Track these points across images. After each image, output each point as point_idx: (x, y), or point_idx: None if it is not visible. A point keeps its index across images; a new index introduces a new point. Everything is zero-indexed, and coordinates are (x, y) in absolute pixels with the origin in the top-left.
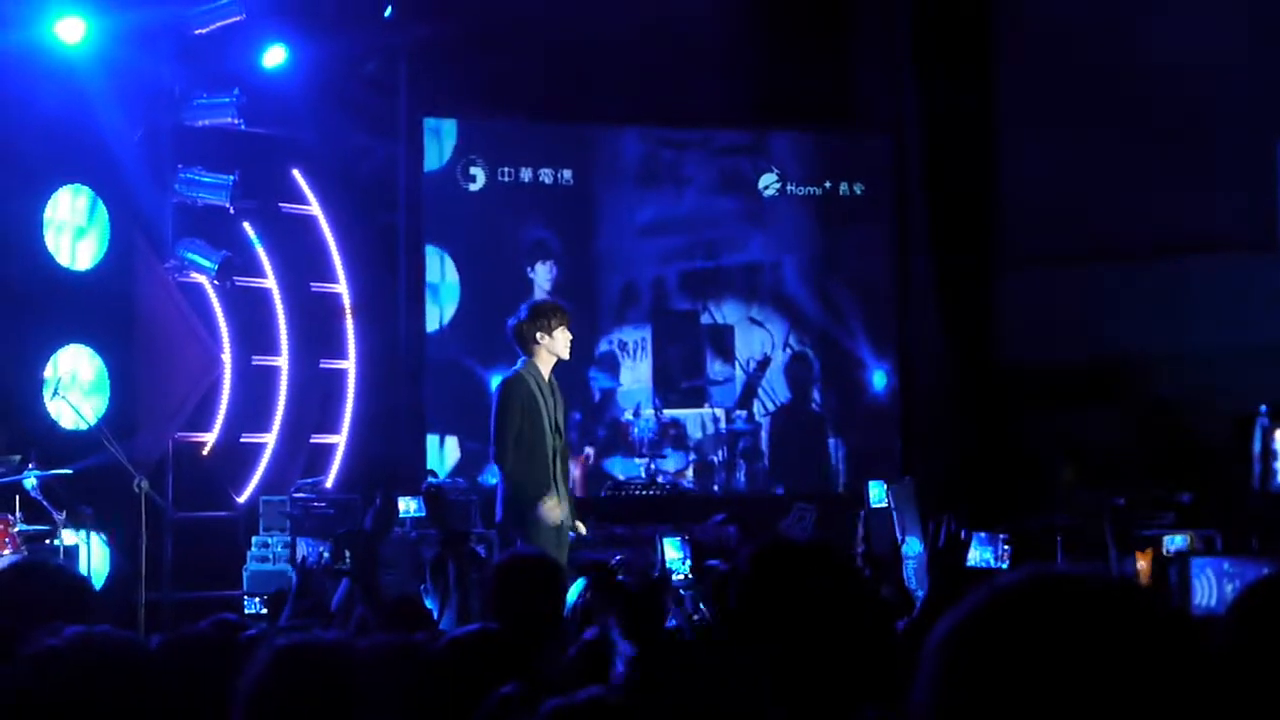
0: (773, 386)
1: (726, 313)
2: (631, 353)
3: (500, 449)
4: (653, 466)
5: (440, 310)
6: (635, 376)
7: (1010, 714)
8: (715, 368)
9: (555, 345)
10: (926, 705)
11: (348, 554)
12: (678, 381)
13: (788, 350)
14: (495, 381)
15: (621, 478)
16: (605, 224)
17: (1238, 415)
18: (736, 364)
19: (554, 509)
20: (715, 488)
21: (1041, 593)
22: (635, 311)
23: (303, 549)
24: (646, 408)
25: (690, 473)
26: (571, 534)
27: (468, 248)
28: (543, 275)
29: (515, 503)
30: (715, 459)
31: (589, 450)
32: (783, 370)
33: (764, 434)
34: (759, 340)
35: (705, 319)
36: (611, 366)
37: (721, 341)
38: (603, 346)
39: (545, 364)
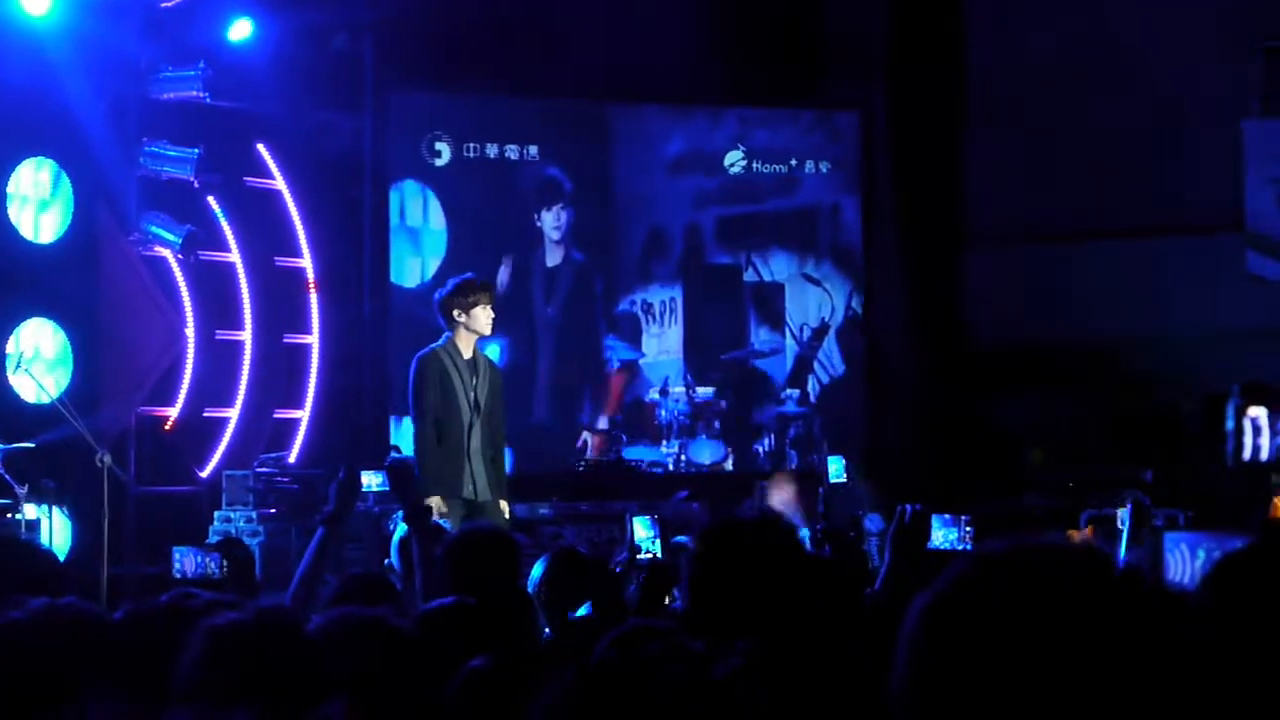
0: (830, 359)
1: (775, 268)
2: (658, 316)
3: (416, 426)
4: (683, 457)
5: (422, 263)
6: (662, 346)
7: (993, 683)
8: (761, 336)
9: (474, 322)
10: (907, 676)
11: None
12: (715, 352)
13: (850, 313)
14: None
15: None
16: (627, 158)
17: (1207, 395)
18: (787, 331)
19: (438, 505)
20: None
21: (1023, 563)
22: (663, 265)
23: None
24: (676, 384)
25: (729, 465)
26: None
27: (457, 185)
28: (550, 222)
29: (424, 475)
30: (760, 448)
31: (586, 435)
32: (835, 338)
33: (819, 418)
34: (815, 302)
35: (749, 276)
36: (633, 333)
37: (769, 303)
38: (622, 306)
39: (465, 341)
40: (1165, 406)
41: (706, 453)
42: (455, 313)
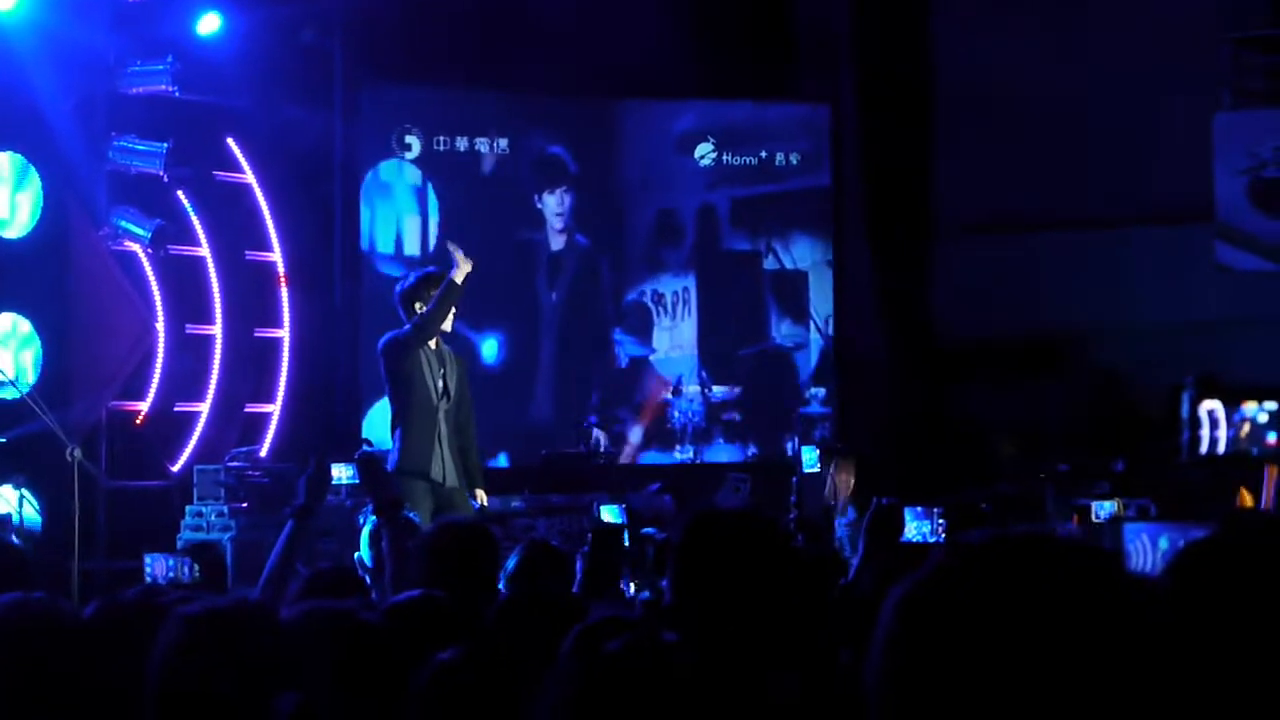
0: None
1: (797, 254)
2: (670, 308)
3: (394, 402)
4: (699, 462)
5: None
6: (675, 341)
7: (971, 673)
8: (783, 329)
9: None
10: (885, 667)
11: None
12: (732, 348)
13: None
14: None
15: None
16: (635, 134)
17: (1169, 386)
18: (812, 323)
19: (418, 492)
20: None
21: (1001, 552)
22: (674, 252)
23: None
24: (691, 383)
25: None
26: (474, 503)
27: (449, 156)
28: (553, 206)
29: (398, 456)
30: (785, 452)
31: (598, 433)
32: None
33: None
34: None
35: (769, 263)
36: (642, 326)
37: (791, 293)
38: (631, 296)
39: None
40: (1134, 397)
41: (724, 457)
42: (417, 305)
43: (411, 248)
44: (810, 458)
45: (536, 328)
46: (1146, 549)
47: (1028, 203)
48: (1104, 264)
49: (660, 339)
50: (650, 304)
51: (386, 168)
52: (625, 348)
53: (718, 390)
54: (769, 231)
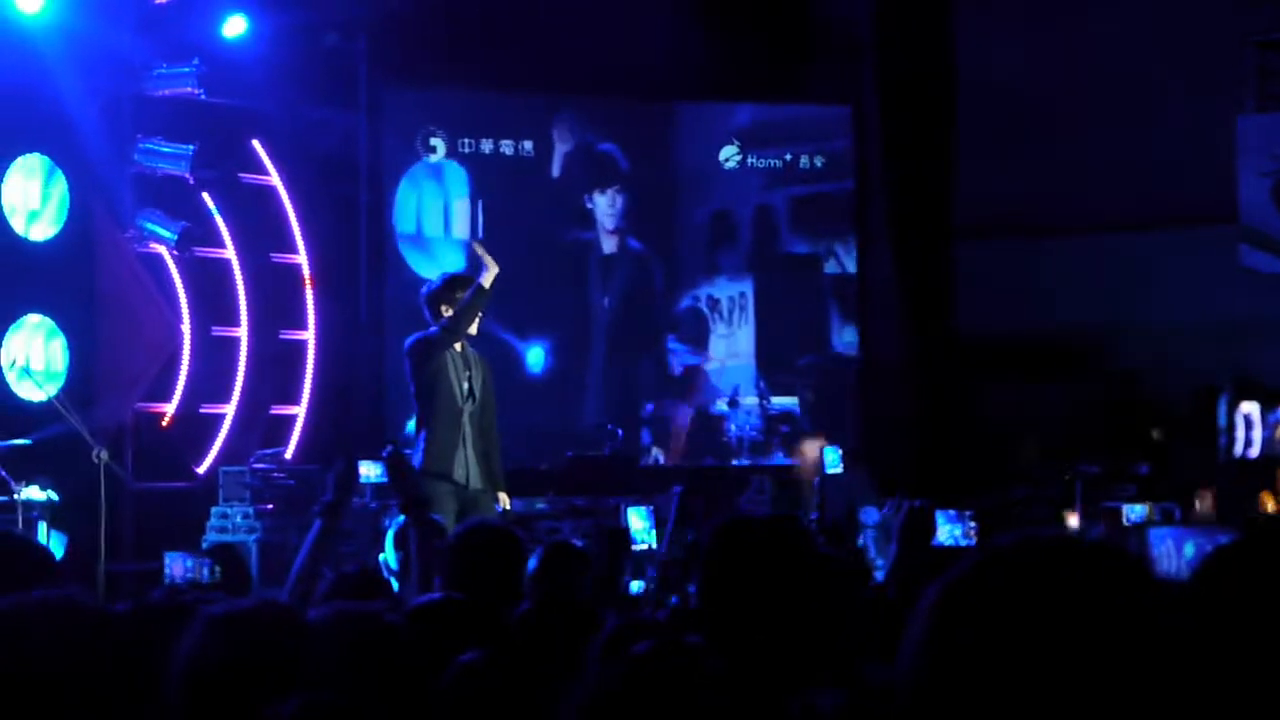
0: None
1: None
2: (725, 315)
3: (419, 403)
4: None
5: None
6: (731, 349)
7: (1002, 674)
8: (844, 337)
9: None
10: (918, 668)
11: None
12: (792, 356)
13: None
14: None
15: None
16: (689, 132)
17: (1197, 388)
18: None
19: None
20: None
21: (1034, 555)
22: (731, 256)
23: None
24: (748, 394)
25: None
26: (498, 506)
27: (490, 154)
28: (604, 206)
29: (423, 458)
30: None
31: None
32: None
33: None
34: None
35: (830, 267)
36: (696, 334)
37: (853, 298)
38: (685, 302)
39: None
40: (1158, 399)
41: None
42: (442, 308)
43: (460, 231)
44: (833, 458)
45: (586, 335)
46: (1172, 554)
47: (1051, 204)
48: (1128, 266)
49: (716, 346)
50: (705, 309)
51: (430, 162)
52: (679, 356)
53: (777, 401)
54: (830, 234)
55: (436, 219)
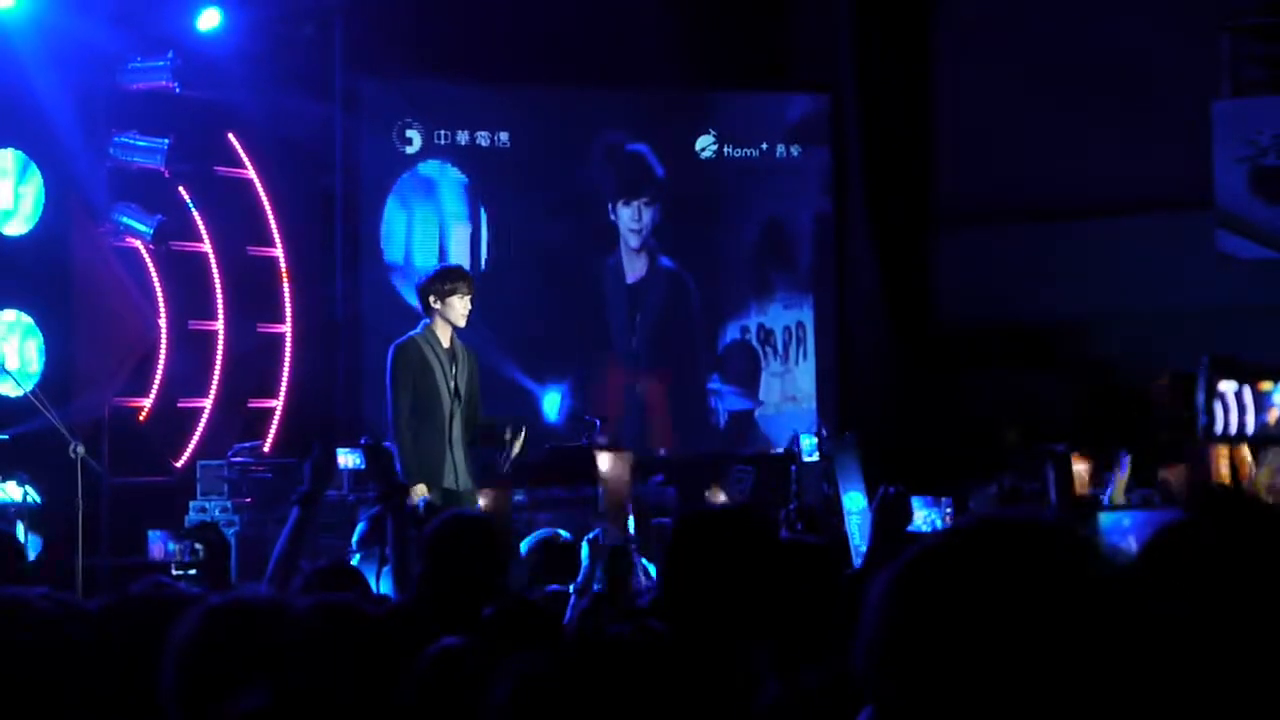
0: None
1: None
2: (780, 349)
3: (394, 416)
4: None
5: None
6: (788, 389)
7: (954, 649)
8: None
9: (449, 312)
10: (870, 650)
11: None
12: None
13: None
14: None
15: None
16: (732, 125)
17: (1174, 373)
18: None
19: (421, 494)
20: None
21: (982, 538)
22: (786, 275)
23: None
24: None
25: None
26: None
27: (467, 146)
28: (629, 220)
29: (405, 466)
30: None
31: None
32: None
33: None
34: None
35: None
36: (745, 372)
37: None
38: (730, 335)
39: (443, 330)
40: (1135, 386)
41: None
42: (432, 299)
43: (459, 257)
44: (809, 445)
45: (606, 375)
46: (1123, 532)
47: (1028, 191)
48: (1105, 252)
49: (769, 388)
50: (755, 343)
51: (426, 168)
52: (724, 400)
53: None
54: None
55: (430, 244)
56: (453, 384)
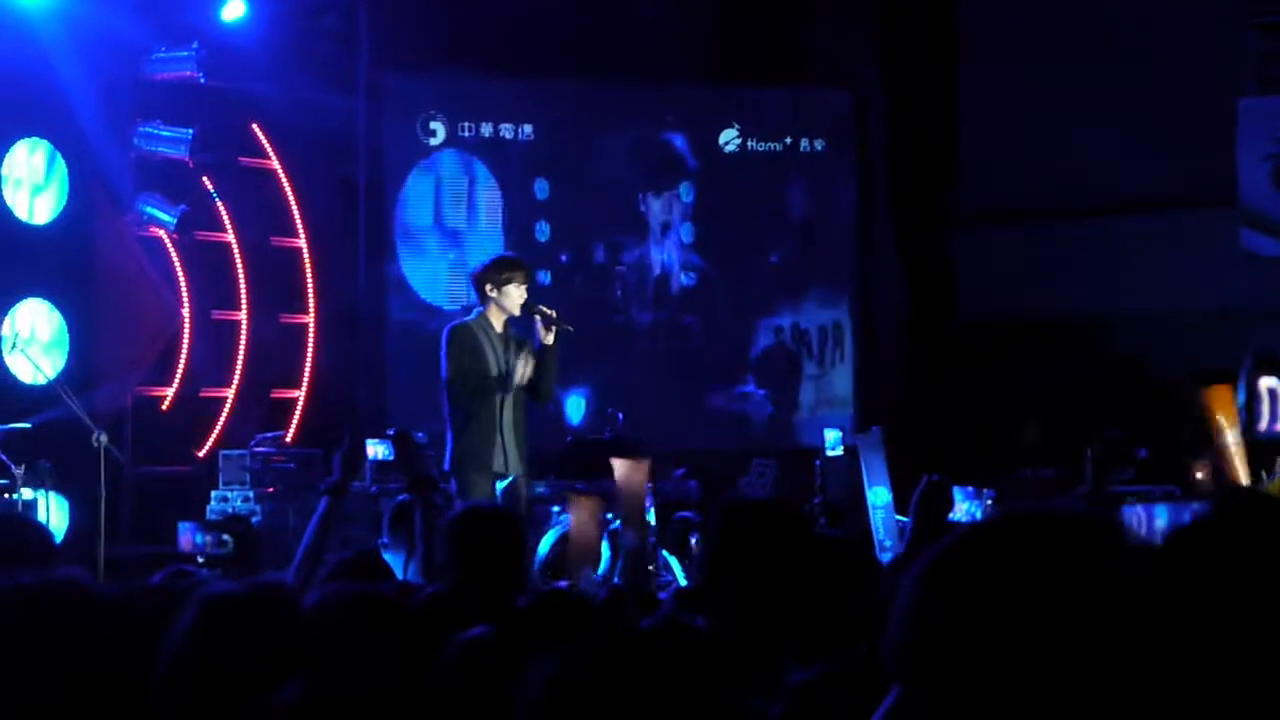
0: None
1: None
2: (816, 350)
3: (451, 394)
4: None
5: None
6: (825, 392)
7: (982, 638)
8: None
9: (505, 300)
10: (901, 639)
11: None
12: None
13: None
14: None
15: None
16: (760, 117)
17: (1197, 371)
18: None
19: (481, 485)
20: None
21: (1016, 528)
22: (824, 270)
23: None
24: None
25: None
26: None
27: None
28: (660, 212)
29: (456, 450)
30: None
31: None
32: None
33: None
34: None
35: None
36: (781, 375)
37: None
38: (762, 340)
39: (497, 317)
40: (1158, 383)
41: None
42: (488, 287)
43: (491, 223)
44: (833, 439)
45: (633, 379)
46: (1143, 523)
47: (1052, 188)
48: (1129, 249)
49: (805, 392)
50: (789, 343)
51: (449, 159)
52: (758, 405)
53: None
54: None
55: (452, 238)
56: (505, 368)
